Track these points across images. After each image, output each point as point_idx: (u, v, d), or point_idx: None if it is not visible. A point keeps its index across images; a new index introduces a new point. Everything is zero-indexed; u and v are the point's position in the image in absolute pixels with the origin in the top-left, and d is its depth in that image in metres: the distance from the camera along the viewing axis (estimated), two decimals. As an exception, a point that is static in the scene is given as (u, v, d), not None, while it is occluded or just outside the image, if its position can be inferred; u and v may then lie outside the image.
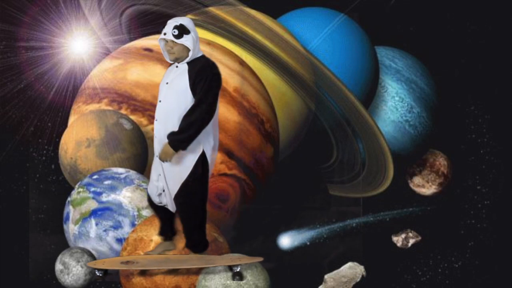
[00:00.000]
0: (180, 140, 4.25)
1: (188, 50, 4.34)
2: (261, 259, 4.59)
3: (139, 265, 4.53)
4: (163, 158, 4.31)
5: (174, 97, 4.33)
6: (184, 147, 4.28)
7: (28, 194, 6.17)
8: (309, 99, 6.31)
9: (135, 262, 4.55)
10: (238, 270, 4.52)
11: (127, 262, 4.54)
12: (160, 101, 4.38)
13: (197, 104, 4.25)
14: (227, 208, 5.54)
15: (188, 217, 4.52)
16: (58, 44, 5.99)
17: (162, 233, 4.74)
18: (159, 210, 4.68)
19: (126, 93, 5.76)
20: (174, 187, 4.43)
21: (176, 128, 4.27)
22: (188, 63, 4.36)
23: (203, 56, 4.40)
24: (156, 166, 4.49)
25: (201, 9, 6.25)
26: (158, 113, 4.39)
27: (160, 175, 4.47)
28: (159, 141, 4.36)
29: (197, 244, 4.63)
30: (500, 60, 7.04)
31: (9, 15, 5.98)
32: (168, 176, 4.44)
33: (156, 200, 4.59)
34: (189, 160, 4.37)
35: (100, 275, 4.61)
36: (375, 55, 6.89)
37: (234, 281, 4.53)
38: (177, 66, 4.40)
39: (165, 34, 4.34)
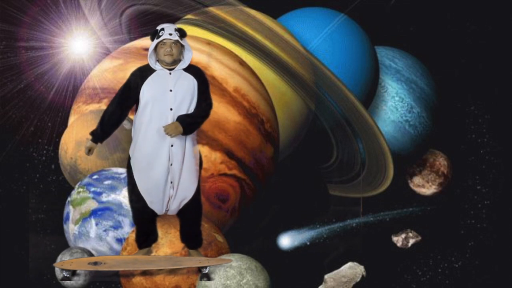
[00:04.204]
0: (190, 123, 4.35)
1: (181, 53, 4.39)
2: (230, 260, 4.64)
3: (107, 266, 4.54)
4: (170, 132, 4.30)
5: (187, 104, 4.38)
6: (188, 131, 4.37)
7: (28, 194, 6.16)
8: (309, 99, 6.31)
9: (102, 262, 4.56)
10: (206, 271, 4.56)
11: (95, 263, 4.55)
12: (171, 109, 4.36)
13: (209, 106, 4.46)
14: (227, 208, 5.54)
15: (199, 214, 4.66)
16: (58, 44, 5.99)
17: (145, 245, 4.75)
18: (148, 222, 4.68)
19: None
20: (192, 187, 4.51)
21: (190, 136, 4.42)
22: (184, 69, 4.41)
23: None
24: (168, 174, 4.44)
25: (201, 9, 6.25)
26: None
27: (172, 182, 4.46)
28: (180, 148, 4.42)
29: (201, 239, 4.74)
30: (500, 60, 7.04)
31: (9, 15, 5.98)
32: (184, 178, 4.46)
33: (161, 210, 4.58)
34: (197, 157, 4.52)
35: (68, 275, 4.61)
36: (375, 55, 6.89)
37: (233, 282, 4.55)
38: (170, 73, 4.40)
39: (170, 34, 4.32)
